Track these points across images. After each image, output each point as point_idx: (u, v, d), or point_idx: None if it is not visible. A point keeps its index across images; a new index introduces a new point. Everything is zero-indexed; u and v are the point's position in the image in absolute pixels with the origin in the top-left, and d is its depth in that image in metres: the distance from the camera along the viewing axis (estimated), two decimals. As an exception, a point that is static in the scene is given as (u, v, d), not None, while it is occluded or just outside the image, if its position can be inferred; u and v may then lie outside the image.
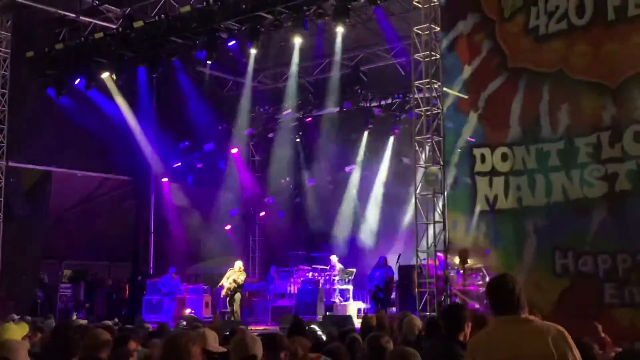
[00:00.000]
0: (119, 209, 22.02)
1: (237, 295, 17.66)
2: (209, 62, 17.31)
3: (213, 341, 4.62)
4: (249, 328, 11.34)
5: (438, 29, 13.85)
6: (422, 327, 7.01)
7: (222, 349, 4.63)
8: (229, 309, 17.76)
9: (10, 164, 18.02)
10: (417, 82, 14.18)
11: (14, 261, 17.91)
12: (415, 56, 14.18)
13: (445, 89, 13.44)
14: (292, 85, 21.49)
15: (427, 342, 6.16)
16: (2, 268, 17.35)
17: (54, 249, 20.41)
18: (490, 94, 12.58)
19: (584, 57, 11.67)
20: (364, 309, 17.51)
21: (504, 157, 12.38)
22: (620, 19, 11.33)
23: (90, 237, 20.93)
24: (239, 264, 17.97)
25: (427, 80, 13.94)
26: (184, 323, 11.50)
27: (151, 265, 21.70)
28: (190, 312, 17.40)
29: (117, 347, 5.24)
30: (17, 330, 5.53)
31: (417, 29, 14.16)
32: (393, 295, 17.00)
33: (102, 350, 5.12)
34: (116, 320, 12.99)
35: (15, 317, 12.46)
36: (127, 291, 20.73)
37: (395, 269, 16.67)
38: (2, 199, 17.61)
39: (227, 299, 17.66)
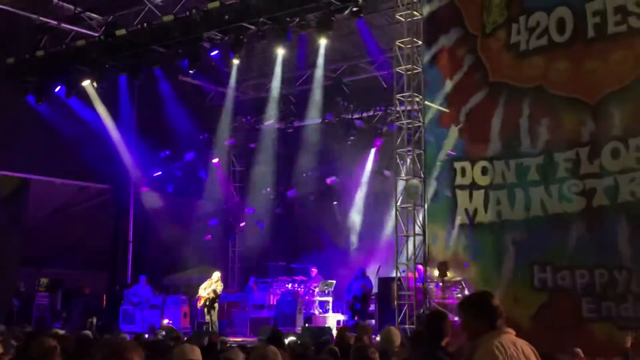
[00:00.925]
0: (98, 218, 21.83)
1: (215, 306, 17.57)
2: (191, 71, 17.26)
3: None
4: (228, 339, 11.26)
5: (420, 42, 13.94)
6: (401, 340, 7.02)
7: None
8: (207, 319, 17.65)
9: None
10: (399, 95, 14.23)
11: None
12: (397, 69, 14.25)
13: (426, 102, 13.53)
14: (274, 95, 21.51)
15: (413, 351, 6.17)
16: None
17: (31, 257, 20.19)
18: (471, 108, 12.69)
19: (564, 73, 11.81)
20: (343, 321, 17.49)
21: (484, 170, 12.48)
22: (600, 37, 11.48)
23: (68, 245, 20.74)
24: (217, 275, 17.87)
25: (409, 93, 14.01)
26: (163, 333, 11.41)
27: (129, 275, 21.50)
28: (169, 323, 17.27)
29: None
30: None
31: (399, 42, 14.24)
32: (372, 307, 17.00)
33: None
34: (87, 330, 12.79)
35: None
36: (105, 301, 20.55)
37: (375, 281, 16.68)
38: (-22, 206, 17.45)
39: (205, 309, 17.56)
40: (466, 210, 12.66)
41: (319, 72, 19.67)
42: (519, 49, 12.27)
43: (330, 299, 18.57)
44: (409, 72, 14.06)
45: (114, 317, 19.06)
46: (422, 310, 13.12)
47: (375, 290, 16.63)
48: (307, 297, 18.37)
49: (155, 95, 20.12)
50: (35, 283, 20.13)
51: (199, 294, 17.84)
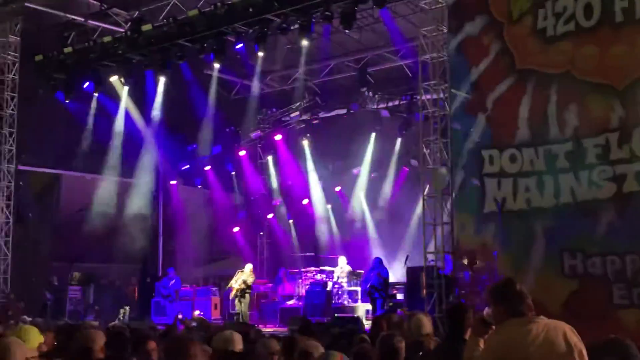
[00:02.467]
0: (127, 212, 22.06)
1: (246, 297, 17.73)
2: (216, 65, 17.34)
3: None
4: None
5: (445, 30, 13.87)
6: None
7: None
8: (237, 310, 17.82)
9: (20, 167, 18.13)
10: (425, 83, 14.20)
11: (24, 263, 18.01)
12: (423, 58, 14.20)
13: (452, 90, 13.45)
14: (299, 87, 21.57)
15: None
16: (12, 270, 17.45)
17: (63, 252, 20.49)
18: (499, 95, 12.58)
19: (591, 59, 11.66)
20: (370, 310, 17.53)
21: (513, 158, 12.39)
22: (627, 21, 11.32)
23: (99, 239, 21.01)
24: (249, 267, 18.07)
25: (435, 81, 13.97)
26: (194, 324, 11.53)
27: (160, 268, 21.76)
28: (200, 314, 17.44)
29: (138, 347, 5.31)
30: (35, 336, 5.53)
31: (424, 30, 14.18)
32: (400, 297, 17.03)
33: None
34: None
35: (27, 319, 12.54)
36: (136, 293, 20.83)
37: (403, 270, 16.68)
38: (12, 203, 17.72)
39: (236, 299, 17.73)
40: (495, 198, 12.58)
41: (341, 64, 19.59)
42: (546, 35, 12.14)
43: (359, 288, 18.62)
44: (434, 61, 14.01)
45: (146, 310, 19.32)
46: (450, 300, 13.10)
47: (403, 279, 16.64)
48: (336, 288, 18.44)
49: (182, 89, 20.26)
50: (67, 277, 20.45)
51: (230, 285, 18.01)
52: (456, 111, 13.36)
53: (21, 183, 18.23)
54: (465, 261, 13.09)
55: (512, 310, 4.06)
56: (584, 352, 3.79)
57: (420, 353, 5.82)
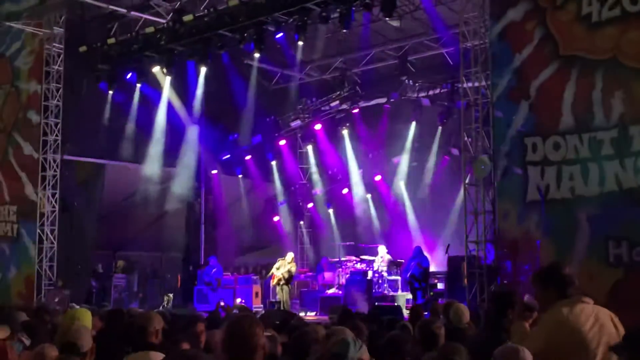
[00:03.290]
0: (170, 201, 22.35)
1: (288, 285, 17.85)
2: (256, 55, 17.41)
3: None
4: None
5: (487, 17, 13.69)
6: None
7: None
8: (278, 298, 17.95)
9: (65, 157, 18.47)
10: (466, 71, 14.06)
11: (70, 252, 18.38)
12: (464, 45, 14.06)
13: (494, 77, 13.29)
14: (339, 76, 21.54)
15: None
16: (58, 259, 17.82)
17: (107, 241, 20.85)
18: (542, 82, 12.39)
19: (637, 44, 11.43)
20: (411, 300, 17.50)
21: (556, 146, 12.21)
22: (675, 4, 11.06)
23: (143, 228, 21.34)
24: (291, 255, 18.17)
25: (476, 69, 13.82)
26: (236, 312, 11.65)
27: (202, 256, 22.02)
28: (241, 302, 17.63)
29: (188, 329, 5.41)
30: (87, 316, 5.72)
31: (466, 17, 14.04)
32: (441, 286, 16.96)
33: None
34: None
35: (75, 306, 12.82)
36: (179, 281, 21.13)
37: (444, 259, 16.60)
38: (57, 192, 18.08)
39: (278, 287, 17.86)
40: (538, 186, 12.43)
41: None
42: (591, 21, 11.92)
43: (399, 278, 18.60)
44: (476, 48, 13.86)
45: (189, 297, 19.59)
46: (492, 289, 12.99)
47: (444, 269, 16.56)
48: (376, 277, 18.44)
49: (223, 79, 20.40)
50: (112, 265, 20.84)
51: (271, 273, 18.14)
52: (499, 99, 13.20)
53: (66, 173, 18.56)
54: (508, 251, 12.96)
55: (561, 292, 4.08)
56: None
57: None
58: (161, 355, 4.39)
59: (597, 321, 4.06)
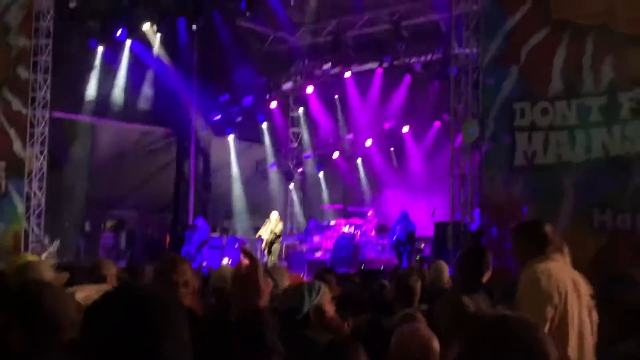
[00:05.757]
0: (160, 161, 22.31)
1: (276, 246, 17.84)
2: (247, 13, 17.21)
3: None
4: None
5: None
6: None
7: None
8: (266, 260, 17.98)
9: (54, 114, 18.32)
10: (457, 34, 13.95)
11: (58, 210, 18.33)
12: (456, 9, 13.92)
13: (485, 42, 13.20)
14: (331, 40, 21.35)
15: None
16: (46, 216, 17.77)
17: (96, 199, 20.80)
18: (533, 46, 12.31)
19: (629, 11, 11.35)
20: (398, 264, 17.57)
21: (544, 111, 12.18)
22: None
23: (132, 188, 21.28)
24: (275, 214, 18.08)
25: (467, 33, 13.70)
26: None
27: (191, 217, 22.02)
28: (228, 262, 17.68)
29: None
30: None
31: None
32: (426, 251, 17.03)
33: None
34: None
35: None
36: (167, 242, 21.15)
37: (430, 223, 16.64)
38: (46, 149, 17.96)
39: (266, 250, 17.88)
40: (525, 152, 12.43)
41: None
42: (584, -16, 11.83)
43: (386, 241, 18.65)
44: (468, 11, 13.73)
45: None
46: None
47: (430, 234, 16.61)
48: (364, 240, 18.50)
49: (214, 39, 20.21)
50: (100, 224, 20.81)
51: (258, 235, 18.12)
52: (489, 63, 13.12)
53: (55, 129, 18.41)
54: (493, 215, 13.00)
55: (540, 249, 4.14)
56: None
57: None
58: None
59: (574, 277, 4.15)
